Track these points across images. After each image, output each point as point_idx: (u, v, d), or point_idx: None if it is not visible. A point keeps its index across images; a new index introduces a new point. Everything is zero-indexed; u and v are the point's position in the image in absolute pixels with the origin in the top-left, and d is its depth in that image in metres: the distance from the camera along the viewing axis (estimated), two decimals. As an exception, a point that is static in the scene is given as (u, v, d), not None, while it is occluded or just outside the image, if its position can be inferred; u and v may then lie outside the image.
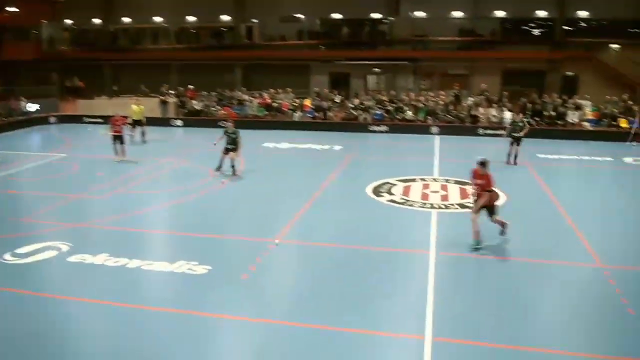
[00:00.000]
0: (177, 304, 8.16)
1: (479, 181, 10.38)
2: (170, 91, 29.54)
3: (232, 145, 16.09)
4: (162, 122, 27.36)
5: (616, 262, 9.92)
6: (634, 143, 22.72)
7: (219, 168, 16.37)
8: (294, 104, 28.53)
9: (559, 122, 25.06)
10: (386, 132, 25.79)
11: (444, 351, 6.92)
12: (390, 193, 14.52)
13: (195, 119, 28.15)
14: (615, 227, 12.12)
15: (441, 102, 26.98)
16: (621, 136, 23.88)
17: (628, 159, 19.92)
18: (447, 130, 25.29)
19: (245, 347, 7.11)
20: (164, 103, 28.55)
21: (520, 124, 18.70)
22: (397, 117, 26.63)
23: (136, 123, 22.19)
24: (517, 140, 18.38)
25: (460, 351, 6.95)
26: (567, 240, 11.12)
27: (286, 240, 10.93)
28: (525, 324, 7.70)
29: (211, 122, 27.13)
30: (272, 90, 29.91)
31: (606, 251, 10.42)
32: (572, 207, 13.26)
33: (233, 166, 16.23)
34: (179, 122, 28.07)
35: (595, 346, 7.21)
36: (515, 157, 18.38)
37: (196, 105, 28.89)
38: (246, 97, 29.21)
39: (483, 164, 10.42)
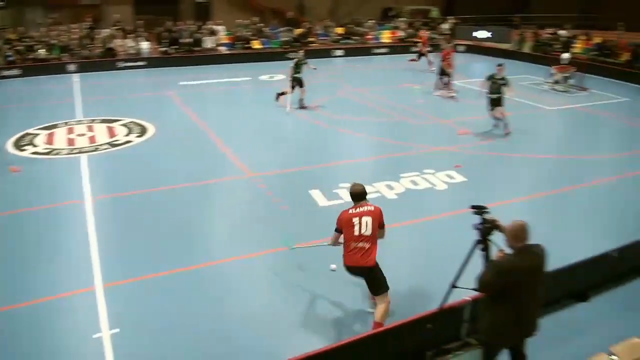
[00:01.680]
0: None
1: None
2: None
3: None
4: None
5: (262, 170, 11.27)
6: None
7: None
8: None
9: (195, 48, 26.13)
10: (19, 76, 22.99)
11: (118, 294, 6.92)
12: (33, 145, 13.29)
13: None
14: (257, 139, 13.60)
15: (75, 37, 25.29)
16: (253, 57, 26.44)
17: (264, 77, 22.18)
18: (86, 66, 23.91)
19: None
20: None
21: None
22: (29, 57, 23.99)
23: None
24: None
25: (135, 289, 7.04)
26: (219, 159, 12.07)
27: None
28: (198, 243, 8.23)
29: None
30: None
31: (252, 162, 11.72)
32: (218, 128, 14.31)
33: None
34: None
35: (265, 243, 8.19)
36: None
37: None
38: None
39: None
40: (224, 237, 8.57)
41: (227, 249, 8.12)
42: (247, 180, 10.81)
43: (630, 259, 7.29)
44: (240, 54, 26.83)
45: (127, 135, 13.90)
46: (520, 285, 4.49)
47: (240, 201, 9.92)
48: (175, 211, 9.37)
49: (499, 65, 13.99)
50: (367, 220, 5.83)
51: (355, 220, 5.85)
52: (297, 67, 16.26)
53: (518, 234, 4.51)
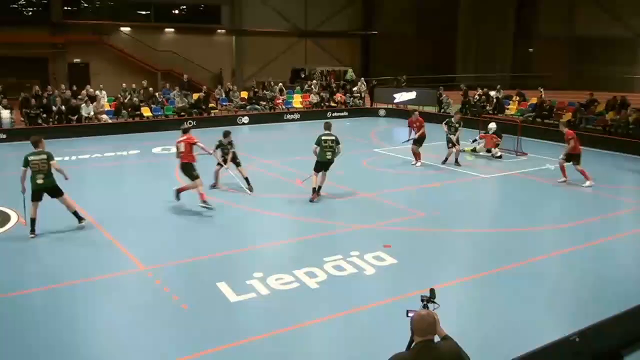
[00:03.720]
0: None
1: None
2: None
3: None
4: None
5: (157, 261, 10.94)
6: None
7: None
8: None
9: (72, 117, 25.60)
10: None
11: None
12: None
13: None
14: (150, 225, 13.29)
15: None
16: (143, 126, 26.21)
17: (156, 149, 21.99)
18: None
19: None
20: None
21: (457, 125, 19.65)
22: None
23: None
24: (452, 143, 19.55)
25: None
26: (104, 251, 11.59)
27: None
28: (80, 356, 7.70)
29: None
30: None
31: (146, 253, 11.38)
32: (102, 213, 13.82)
33: None
34: None
35: (165, 353, 7.78)
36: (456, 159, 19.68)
37: None
38: None
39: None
40: (113, 348, 8.07)
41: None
42: (140, 275, 10.39)
43: (594, 343, 7.50)
44: (127, 123, 26.62)
45: (-16, 226, 13.18)
46: None
47: (132, 301, 9.45)
48: (51, 318, 8.81)
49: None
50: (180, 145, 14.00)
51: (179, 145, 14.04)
52: (450, 128, 19.48)
53: (417, 326, 4.55)
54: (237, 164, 16.26)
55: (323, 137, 15.05)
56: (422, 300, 5.21)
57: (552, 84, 32.30)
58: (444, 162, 19.58)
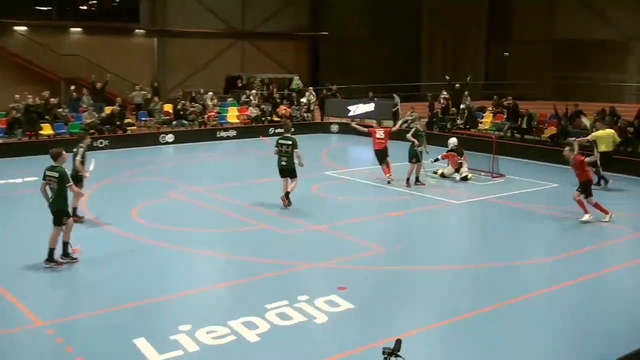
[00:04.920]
0: None
1: None
2: None
3: None
4: None
5: (56, 315, 10.68)
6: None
7: None
8: None
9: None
10: None
11: None
12: None
13: None
14: (48, 270, 12.77)
15: None
16: (43, 147, 25.57)
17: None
18: None
19: None
20: None
21: (423, 133, 20.58)
22: None
23: None
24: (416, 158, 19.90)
25: None
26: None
27: None
28: None
29: None
30: None
31: (44, 304, 11.11)
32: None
33: None
34: None
35: None
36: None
37: None
38: None
39: None
40: None
41: None
42: (37, 332, 10.06)
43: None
44: (21, 143, 26.04)
45: None
46: None
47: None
48: None
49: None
50: None
51: None
52: (419, 138, 19.80)
53: None
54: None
55: (280, 141, 16.54)
56: (384, 354, 5.18)
57: (533, 93, 32.89)
58: (408, 181, 19.73)
